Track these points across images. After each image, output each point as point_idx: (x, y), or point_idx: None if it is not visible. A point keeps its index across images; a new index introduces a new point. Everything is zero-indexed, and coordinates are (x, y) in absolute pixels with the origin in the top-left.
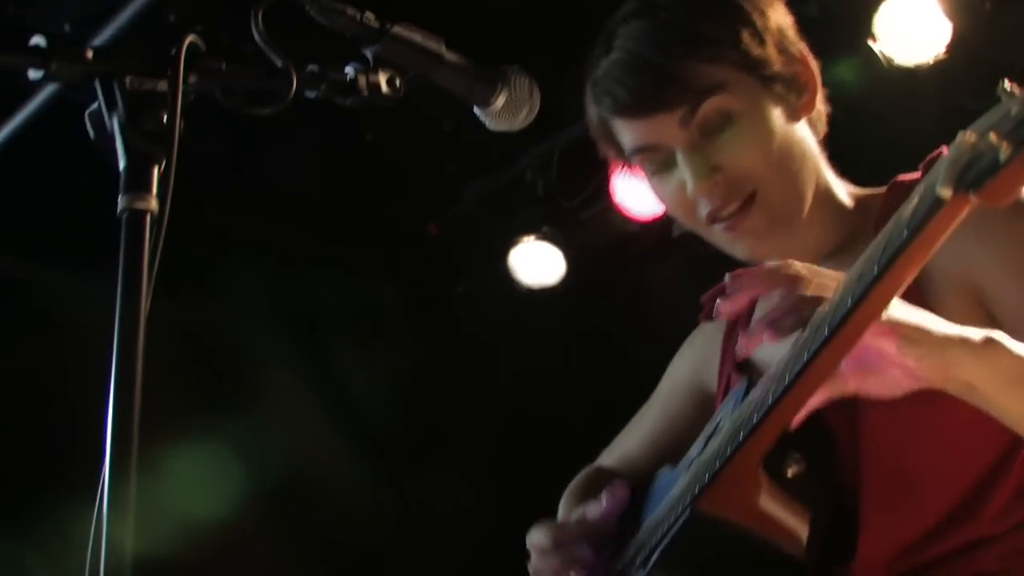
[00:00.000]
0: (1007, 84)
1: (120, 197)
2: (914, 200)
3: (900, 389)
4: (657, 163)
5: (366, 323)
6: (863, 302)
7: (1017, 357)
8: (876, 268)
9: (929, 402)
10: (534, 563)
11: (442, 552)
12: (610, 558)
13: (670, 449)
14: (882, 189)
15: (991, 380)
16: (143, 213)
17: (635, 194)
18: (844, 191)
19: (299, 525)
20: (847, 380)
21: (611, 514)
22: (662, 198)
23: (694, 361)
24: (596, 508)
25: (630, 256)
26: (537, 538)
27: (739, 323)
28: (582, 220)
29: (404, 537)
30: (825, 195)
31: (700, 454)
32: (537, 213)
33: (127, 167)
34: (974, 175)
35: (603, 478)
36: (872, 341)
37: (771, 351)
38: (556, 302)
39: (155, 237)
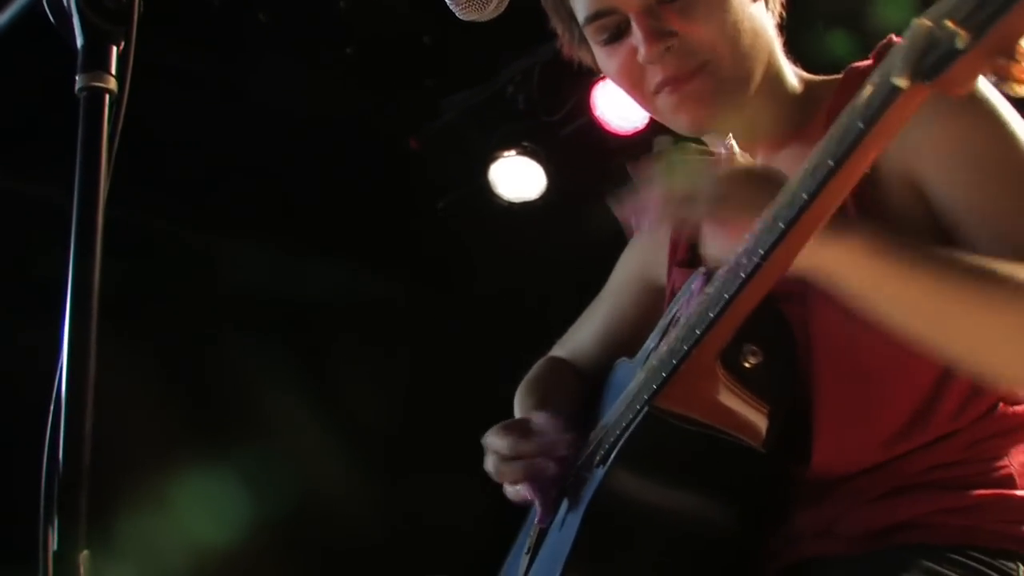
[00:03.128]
0: None
1: (78, 76)
2: (868, 89)
3: None
4: (610, 30)
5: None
6: (819, 195)
7: (868, 259)
8: (832, 160)
9: None
10: (494, 465)
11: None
12: (567, 456)
13: (621, 341)
14: (837, 76)
15: (841, 273)
16: (102, 92)
17: (616, 109)
18: (795, 76)
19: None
20: None
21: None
22: (611, 69)
23: (643, 254)
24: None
25: (610, 171)
26: (497, 444)
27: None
28: (563, 135)
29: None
30: (775, 77)
31: (656, 348)
32: (518, 128)
33: (85, 46)
34: (931, 63)
35: (557, 370)
36: None
37: (720, 247)
38: (536, 217)
39: (114, 118)
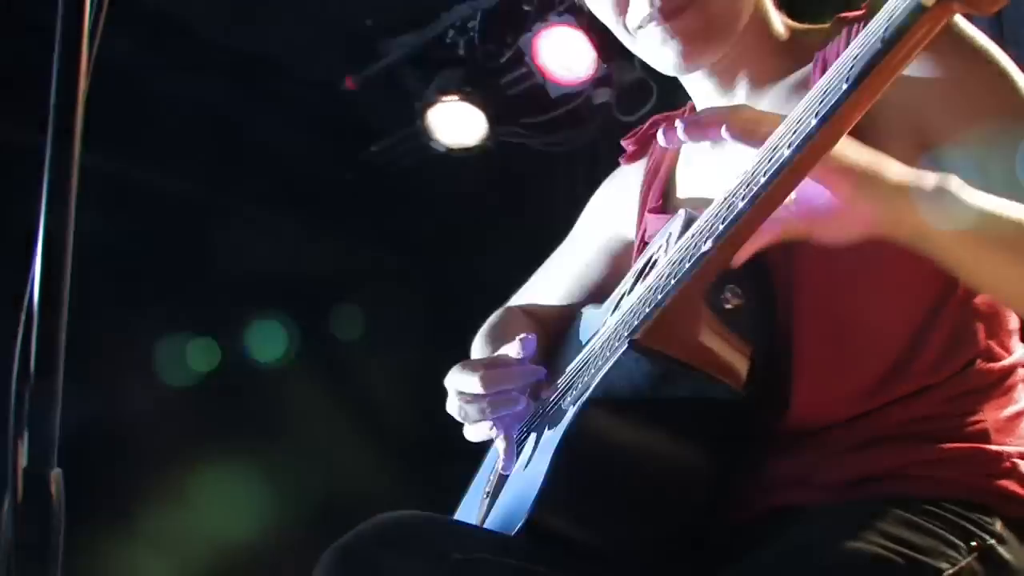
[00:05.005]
0: None
1: None
2: (886, 13)
3: (851, 235)
4: None
5: (278, 179)
6: (831, 119)
7: (968, 206)
8: (846, 82)
9: (863, 253)
10: (458, 405)
11: None
12: (533, 398)
13: (584, 291)
14: (824, 25)
15: (943, 229)
16: None
17: (557, 60)
18: (781, 23)
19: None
20: (799, 222)
21: (527, 360)
22: (596, 1)
23: (611, 205)
24: (512, 350)
25: (549, 121)
26: (462, 382)
27: (659, 169)
28: (503, 83)
29: None
30: (762, 20)
31: (632, 290)
32: (457, 74)
33: None
34: None
35: (517, 319)
36: (824, 183)
37: (695, 193)
38: (472, 164)
39: (95, 17)
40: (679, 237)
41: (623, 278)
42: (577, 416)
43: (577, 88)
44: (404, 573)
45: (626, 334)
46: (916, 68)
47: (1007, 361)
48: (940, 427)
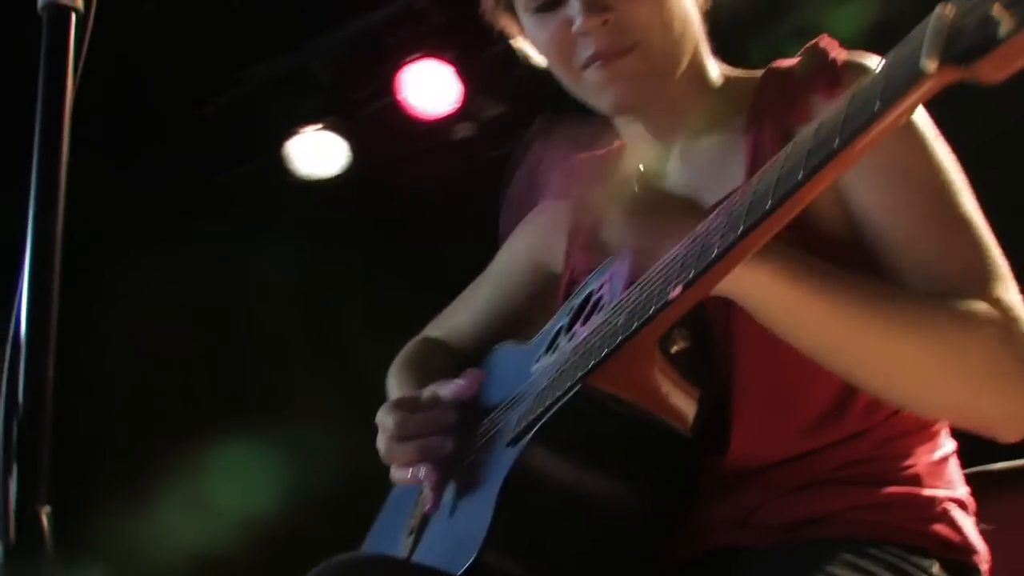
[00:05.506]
0: None
1: None
2: (879, 76)
3: None
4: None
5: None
6: (817, 175)
7: (787, 292)
8: (838, 139)
9: None
10: (386, 446)
11: None
12: (458, 434)
13: (504, 324)
14: (756, 73)
15: (755, 296)
16: (67, 10)
17: (422, 93)
18: (716, 69)
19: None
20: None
21: (465, 397)
22: (540, 38)
23: (537, 240)
24: (451, 389)
25: (412, 154)
26: (392, 423)
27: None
28: (366, 114)
29: None
30: (699, 66)
31: (570, 329)
32: (319, 103)
33: None
34: (965, 48)
35: (433, 351)
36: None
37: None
38: (333, 194)
39: (80, 37)
40: (628, 280)
41: (544, 314)
42: (521, 455)
43: (441, 121)
44: None
45: (580, 374)
46: None
47: None
48: (875, 471)
